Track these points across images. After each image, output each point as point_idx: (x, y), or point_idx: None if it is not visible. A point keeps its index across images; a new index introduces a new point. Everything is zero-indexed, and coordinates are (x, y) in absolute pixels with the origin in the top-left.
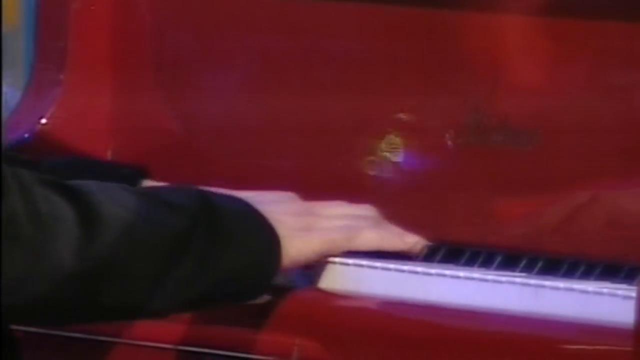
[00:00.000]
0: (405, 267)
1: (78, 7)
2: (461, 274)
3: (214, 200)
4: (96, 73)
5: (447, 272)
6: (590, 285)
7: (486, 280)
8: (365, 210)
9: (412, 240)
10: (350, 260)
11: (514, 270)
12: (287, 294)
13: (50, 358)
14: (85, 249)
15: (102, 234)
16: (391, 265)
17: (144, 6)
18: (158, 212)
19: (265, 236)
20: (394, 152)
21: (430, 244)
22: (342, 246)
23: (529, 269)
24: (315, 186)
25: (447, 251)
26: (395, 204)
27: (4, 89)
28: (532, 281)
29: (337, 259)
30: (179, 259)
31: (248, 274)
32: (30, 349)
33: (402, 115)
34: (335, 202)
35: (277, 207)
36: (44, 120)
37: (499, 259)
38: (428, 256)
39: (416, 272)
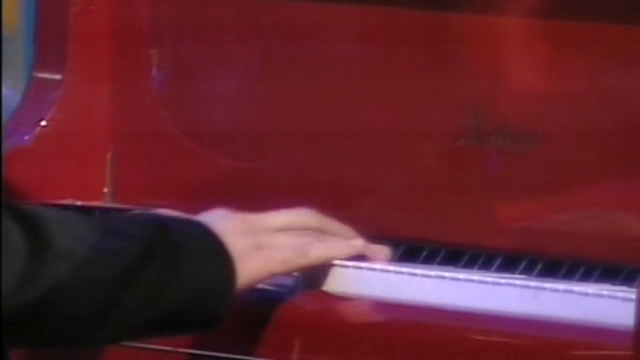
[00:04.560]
0: (404, 269)
1: (77, 9)
2: (461, 276)
3: (168, 229)
4: (96, 75)
5: (447, 274)
6: (590, 287)
7: (486, 282)
8: (304, 214)
9: (359, 243)
10: (349, 262)
11: (513, 272)
12: (287, 296)
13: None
14: (30, 282)
15: (50, 266)
16: (390, 267)
17: (144, 8)
18: (110, 243)
19: (219, 263)
20: (393, 155)
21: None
22: (295, 265)
23: (528, 271)
24: (315, 189)
25: (446, 253)
26: (394, 206)
27: (4, 91)
28: (532, 283)
29: (336, 261)
30: (129, 289)
31: (201, 302)
32: (26, 351)
33: (401, 118)
34: (273, 213)
35: (226, 225)
36: (43, 123)
37: (498, 261)
38: (427, 258)
39: (415, 274)
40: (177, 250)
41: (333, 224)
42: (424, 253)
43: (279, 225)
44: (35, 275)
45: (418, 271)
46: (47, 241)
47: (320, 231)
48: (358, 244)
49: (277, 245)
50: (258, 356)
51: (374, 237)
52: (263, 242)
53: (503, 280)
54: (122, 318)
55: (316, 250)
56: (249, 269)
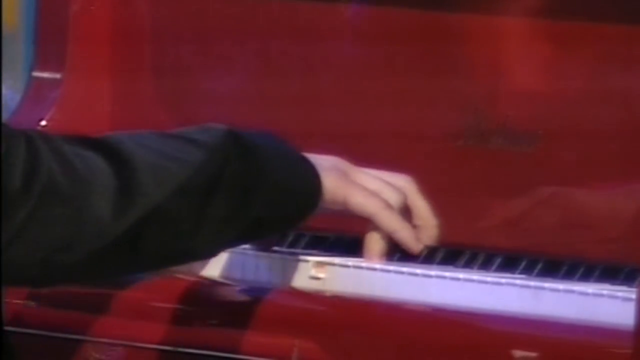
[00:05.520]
0: (404, 269)
1: (77, 8)
2: (461, 275)
3: (245, 136)
4: (95, 75)
5: (447, 273)
6: (590, 287)
7: (486, 282)
8: (401, 179)
9: (421, 247)
10: (350, 262)
11: (513, 272)
12: (287, 295)
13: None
14: (124, 199)
15: (137, 181)
16: (391, 267)
17: (144, 8)
18: (188, 152)
19: (303, 167)
20: (393, 155)
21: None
22: (370, 209)
23: (528, 270)
24: None
25: (446, 253)
26: None
27: (4, 91)
28: (532, 283)
29: (336, 260)
30: (214, 197)
31: (289, 206)
32: (26, 351)
33: (401, 118)
34: (371, 170)
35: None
36: (43, 122)
37: (498, 260)
38: (427, 258)
39: (416, 274)
40: (256, 159)
41: (422, 201)
42: (424, 253)
43: (373, 175)
44: (130, 198)
45: (418, 271)
46: (128, 159)
47: (406, 201)
48: (421, 247)
49: (365, 183)
50: (258, 356)
51: None
52: (352, 177)
53: (503, 280)
54: (212, 227)
55: (392, 215)
56: (328, 182)
